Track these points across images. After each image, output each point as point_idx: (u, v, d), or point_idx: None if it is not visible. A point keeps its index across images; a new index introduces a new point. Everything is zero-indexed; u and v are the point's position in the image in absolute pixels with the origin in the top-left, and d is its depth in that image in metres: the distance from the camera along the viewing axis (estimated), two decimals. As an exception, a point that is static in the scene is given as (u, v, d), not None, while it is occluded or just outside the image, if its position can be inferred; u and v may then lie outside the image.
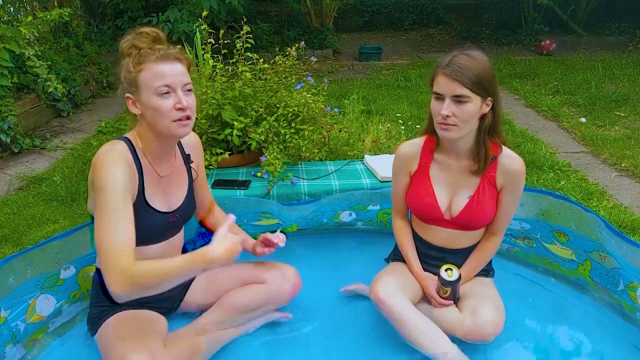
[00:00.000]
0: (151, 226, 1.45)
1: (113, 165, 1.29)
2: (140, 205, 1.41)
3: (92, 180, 1.33)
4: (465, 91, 1.40)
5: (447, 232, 1.65)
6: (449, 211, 1.62)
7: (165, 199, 1.49)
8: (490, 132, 1.52)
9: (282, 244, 1.56)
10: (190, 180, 1.60)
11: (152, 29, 1.37)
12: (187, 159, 1.60)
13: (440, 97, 1.44)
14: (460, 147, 1.55)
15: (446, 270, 1.57)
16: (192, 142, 1.63)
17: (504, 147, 1.57)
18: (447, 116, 1.43)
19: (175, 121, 1.34)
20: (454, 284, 1.56)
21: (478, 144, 1.53)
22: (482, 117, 1.49)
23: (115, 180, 1.27)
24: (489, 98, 1.45)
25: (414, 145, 1.67)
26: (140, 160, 1.42)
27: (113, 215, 1.25)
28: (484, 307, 1.53)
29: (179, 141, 1.57)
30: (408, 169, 1.68)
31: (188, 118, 1.36)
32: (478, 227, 1.62)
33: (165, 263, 1.22)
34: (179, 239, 1.60)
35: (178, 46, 1.44)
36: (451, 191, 1.61)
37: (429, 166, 1.64)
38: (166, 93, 1.32)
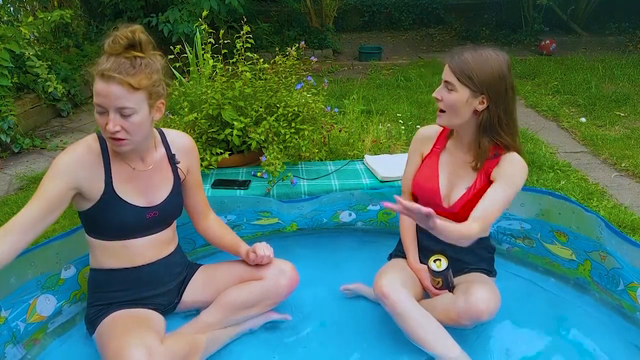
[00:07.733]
0: (124, 219, 1.46)
1: (62, 155, 1.39)
2: (110, 196, 1.44)
3: None
4: (452, 79, 1.47)
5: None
6: (448, 199, 1.65)
7: (143, 194, 1.50)
8: (488, 132, 1.52)
9: (268, 253, 1.63)
10: (177, 179, 1.59)
11: (132, 32, 1.31)
12: (172, 158, 1.58)
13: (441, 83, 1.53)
14: (463, 138, 1.61)
15: (435, 261, 1.57)
16: (182, 144, 1.62)
17: (513, 151, 1.55)
18: (437, 99, 1.52)
19: (109, 137, 1.36)
20: (444, 273, 1.56)
21: (476, 141, 1.56)
22: (476, 114, 1.51)
23: (54, 168, 1.37)
24: (482, 96, 1.47)
25: (432, 129, 1.74)
26: (110, 153, 1.45)
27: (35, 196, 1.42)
28: (475, 287, 1.55)
29: (166, 139, 1.58)
30: (421, 150, 1.75)
31: (120, 139, 1.35)
32: None
33: None
34: (166, 235, 1.59)
35: (157, 53, 1.39)
36: (453, 180, 1.65)
37: (439, 152, 1.70)
38: (101, 111, 1.32)
